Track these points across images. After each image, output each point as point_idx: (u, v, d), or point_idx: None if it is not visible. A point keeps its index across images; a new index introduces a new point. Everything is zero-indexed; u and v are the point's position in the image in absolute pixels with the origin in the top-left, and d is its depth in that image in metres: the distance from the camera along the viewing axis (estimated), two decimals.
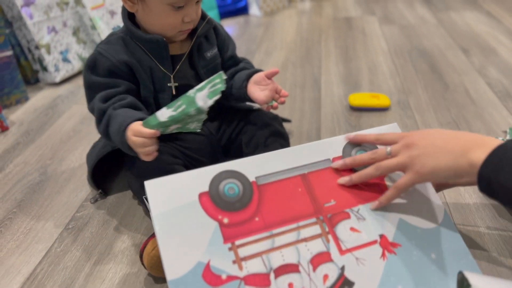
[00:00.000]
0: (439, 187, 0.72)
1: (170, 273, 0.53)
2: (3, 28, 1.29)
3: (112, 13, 1.59)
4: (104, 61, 0.77)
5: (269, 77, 0.81)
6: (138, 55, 0.78)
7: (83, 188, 0.93)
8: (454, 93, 1.23)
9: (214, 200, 0.60)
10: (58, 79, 1.47)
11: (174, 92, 0.82)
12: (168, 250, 0.55)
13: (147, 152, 0.69)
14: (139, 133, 0.68)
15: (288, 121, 1.08)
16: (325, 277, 0.57)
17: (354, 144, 0.68)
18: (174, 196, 0.59)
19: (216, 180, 0.61)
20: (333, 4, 2.24)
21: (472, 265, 0.61)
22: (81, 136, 1.14)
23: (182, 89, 0.82)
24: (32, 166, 1.03)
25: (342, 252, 0.59)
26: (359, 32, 1.79)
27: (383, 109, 1.16)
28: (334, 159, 0.67)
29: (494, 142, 0.53)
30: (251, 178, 0.63)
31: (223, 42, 0.88)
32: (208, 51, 0.85)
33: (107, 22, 1.57)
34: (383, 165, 0.61)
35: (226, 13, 2.11)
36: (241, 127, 0.90)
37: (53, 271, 0.73)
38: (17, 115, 1.29)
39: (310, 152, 0.66)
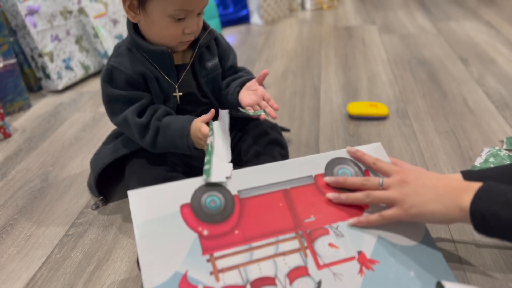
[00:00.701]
0: None
1: (148, 282, 0.54)
2: (7, 37, 1.31)
3: (115, 22, 1.61)
4: (120, 73, 0.79)
5: (260, 81, 0.81)
6: (145, 64, 0.80)
7: (84, 195, 0.94)
8: (453, 102, 1.24)
9: (195, 212, 0.60)
10: (60, 86, 1.49)
11: (178, 102, 0.83)
12: (147, 259, 0.56)
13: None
14: (200, 129, 0.73)
15: (287, 130, 1.10)
16: None
17: (336, 163, 0.70)
18: (156, 206, 0.60)
19: (199, 192, 0.62)
20: (334, 14, 2.26)
21: (452, 284, 0.60)
22: (82, 143, 1.15)
23: (186, 98, 0.84)
24: (34, 172, 1.04)
25: (319, 267, 0.59)
26: (359, 41, 1.81)
27: (381, 118, 1.17)
28: (317, 176, 0.68)
29: (476, 184, 0.57)
30: (234, 192, 0.63)
31: (224, 52, 0.90)
32: (209, 61, 0.86)
33: (109, 31, 1.59)
34: (374, 195, 0.63)
35: (227, 22, 2.14)
36: (240, 135, 0.91)
37: (52, 277, 0.73)
38: (20, 122, 1.30)
39: (293, 168, 0.67)
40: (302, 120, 1.19)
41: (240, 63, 0.94)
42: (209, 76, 0.87)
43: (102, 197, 0.90)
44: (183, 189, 0.62)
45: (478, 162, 0.92)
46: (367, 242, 0.62)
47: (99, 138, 1.16)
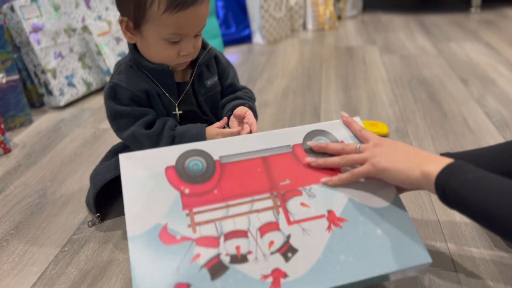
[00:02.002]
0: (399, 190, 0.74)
1: (131, 231, 0.59)
2: (11, 53, 1.32)
3: (118, 40, 1.63)
4: (123, 91, 0.79)
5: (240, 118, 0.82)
6: (146, 82, 0.80)
7: (81, 211, 0.93)
8: (453, 122, 1.24)
9: (178, 173, 0.65)
10: (62, 102, 1.50)
11: (178, 120, 0.84)
12: (131, 211, 0.61)
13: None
14: (222, 133, 0.78)
15: None
16: (271, 243, 0.61)
17: (314, 134, 0.73)
18: (143, 167, 0.65)
19: (183, 157, 0.67)
20: (335, 34, 2.28)
21: (418, 244, 0.62)
22: (81, 159, 1.15)
23: (186, 116, 0.84)
24: (32, 188, 1.04)
25: (290, 223, 0.63)
26: (360, 61, 1.82)
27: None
28: (295, 146, 0.72)
29: (447, 159, 0.60)
30: (215, 157, 0.68)
31: (223, 70, 0.90)
32: (208, 79, 0.87)
33: (112, 48, 1.61)
34: (348, 157, 0.68)
35: (230, 41, 2.16)
36: None
37: None
38: (20, 138, 1.31)
39: (273, 138, 0.72)
40: None
41: (242, 82, 0.95)
42: (208, 94, 0.87)
43: (98, 214, 0.89)
44: (169, 153, 0.67)
45: None
46: (338, 202, 0.66)
47: (98, 154, 1.16)
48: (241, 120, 0.82)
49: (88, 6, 1.60)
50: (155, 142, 0.79)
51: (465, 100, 1.37)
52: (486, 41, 1.98)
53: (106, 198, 0.94)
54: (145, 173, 0.65)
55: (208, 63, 0.86)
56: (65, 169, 1.11)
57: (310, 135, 0.73)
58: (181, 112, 0.83)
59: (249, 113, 0.82)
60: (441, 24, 2.34)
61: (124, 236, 0.85)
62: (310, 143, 0.71)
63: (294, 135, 0.73)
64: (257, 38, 2.20)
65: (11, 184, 1.06)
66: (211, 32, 1.98)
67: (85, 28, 1.56)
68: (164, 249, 0.59)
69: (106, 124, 1.34)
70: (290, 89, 1.56)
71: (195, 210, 0.63)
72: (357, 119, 0.76)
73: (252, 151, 0.70)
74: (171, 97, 0.82)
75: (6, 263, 0.80)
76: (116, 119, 0.81)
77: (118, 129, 0.82)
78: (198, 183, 0.65)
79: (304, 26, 2.40)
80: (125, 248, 0.81)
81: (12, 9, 1.38)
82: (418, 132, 1.19)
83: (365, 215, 0.64)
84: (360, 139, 0.72)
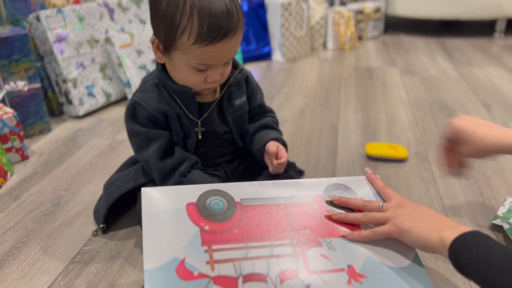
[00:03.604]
0: None
1: (148, 263, 0.59)
2: (34, 62, 1.35)
3: (139, 52, 1.65)
4: (142, 110, 0.80)
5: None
6: (168, 101, 0.80)
7: (93, 222, 0.93)
8: None
9: (199, 210, 0.66)
10: (81, 112, 1.51)
11: (200, 137, 0.84)
12: (149, 243, 0.61)
13: None
14: None
15: (301, 172, 1.08)
16: None
17: (335, 188, 0.74)
18: (164, 202, 0.66)
19: (205, 195, 0.68)
20: (355, 54, 2.27)
21: None
22: (97, 169, 1.15)
23: (207, 135, 0.84)
24: (47, 196, 1.04)
25: (310, 272, 0.62)
26: (380, 82, 1.81)
27: (400, 161, 1.14)
28: (316, 197, 0.72)
29: (465, 228, 0.60)
30: (237, 199, 0.69)
31: (253, 90, 0.90)
32: (237, 99, 0.86)
33: (133, 61, 1.62)
34: (371, 215, 0.68)
35: (249, 58, 2.17)
36: (258, 170, 0.90)
37: None
38: (38, 145, 1.32)
39: (294, 187, 0.73)
40: (319, 158, 1.18)
41: None
42: (236, 114, 0.87)
43: (103, 225, 0.88)
44: (191, 191, 0.68)
45: (501, 212, 0.88)
46: (358, 257, 0.65)
47: (114, 165, 1.16)
48: (274, 156, 0.84)
49: (112, 18, 1.62)
50: (163, 179, 0.81)
51: None
52: (510, 67, 1.95)
53: (117, 208, 0.93)
54: (166, 207, 0.65)
55: (239, 83, 0.86)
56: (80, 179, 1.11)
57: (331, 187, 0.74)
58: (203, 129, 0.84)
59: (281, 149, 0.84)
60: (464, 48, 2.31)
61: (135, 249, 0.84)
62: (330, 197, 0.72)
63: (315, 186, 0.74)
64: (277, 56, 2.20)
65: (26, 191, 1.06)
66: None
67: (107, 40, 1.58)
68: (180, 285, 0.57)
69: (123, 135, 1.35)
70: (308, 107, 1.55)
71: (214, 247, 0.62)
72: (377, 176, 0.77)
73: (272, 197, 0.70)
74: (192, 116, 0.82)
75: (16, 272, 0.79)
76: (132, 138, 0.83)
77: (134, 147, 0.84)
78: (219, 221, 0.65)
79: (324, 45, 2.40)
80: (135, 262, 0.80)
81: (38, 18, 1.41)
82: (438, 157, 1.16)
83: (384, 274, 0.63)
84: (383, 196, 0.73)
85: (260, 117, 0.93)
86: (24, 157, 1.22)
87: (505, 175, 1.06)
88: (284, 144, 0.87)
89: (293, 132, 1.35)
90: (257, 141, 0.88)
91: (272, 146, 0.84)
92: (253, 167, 0.91)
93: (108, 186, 0.91)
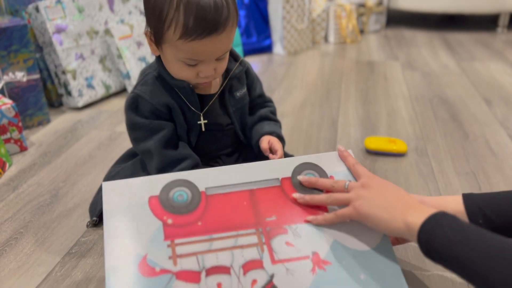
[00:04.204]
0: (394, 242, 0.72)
1: (109, 260, 0.59)
2: (34, 52, 1.34)
3: (139, 44, 1.64)
4: (145, 103, 0.79)
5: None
6: (170, 94, 0.80)
7: None
8: (474, 143, 1.20)
9: (162, 203, 0.65)
10: (80, 104, 1.51)
11: (203, 129, 0.83)
12: (111, 240, 0.60)
13: None
14: None
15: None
16: (254, 282, 0.60)
17: (303, 168, 0.72)
18: (126, 196, 0.64)
19: (168, 187, 0.66)
20: (357, 48, 2.26)
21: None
22: (95, 161, 1.15)
23: (210, 127, 0.84)
24: (45, 187, 1.04)
25: (274, 261, 0.62)
26: (381, 77, 1.80)
27: (399, 155, 1.14)
28: (283, 179, 0.70)
29: (428, 209, 0.58)
30: (201, 188, 0.67)
31: (252, 81, 0.90)
32: (238, 91, 0.86)
33: (133, 52, 1.62)
34: (334, 196, 0.66)
35: (250, 51, 2.16)
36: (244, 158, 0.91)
37: None
38: (37, 137, 1.32)
39: (261, 170, 0.70)
40: (318, 152, 1.16)
41: None
42: (238, 106, 0.87)
43: (96, 218, 0.88)
44: (154, 183, 0.66)
45: None
46: (323, 244, 0.64)
47: (113, 157, 1.16)
48: (266, 153, 0.83)
49: (111, 9, 1.61)
50: (161, 168, 0.79)
51: (488, 122, 1.34)
52: None
53: None
54: (128, 202, 0.64)
55: (240, 75, 0.85)
56: (79, 171, 1.11)
57: (300, 168, 0.72)
58: (206, 121, 0.83)
59: (272, 142, 0.83)
60: (466, 43, 2.30)
61: None
62: (300, 178, 0.70)
63: (283, 167, 0.71)
64: (278, 49, 2.19)
65: (25, 182, 1.06)
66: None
67: (107, 31, 1.57)
68: (142, 281, 0.57)
69: (122, 127, 1.34)
70: (308, 101, 1.55)
71: (177, 241, 0.61)
72: (350, 152, 0.75)
73: (239, 183, 0.68)
74: (195, 109, 0.81)
75: (13, 262, 0.80)
76: (134, 131, 0.82)
77: (134, 140, 0.83)
78: (182, 214, 0.64)
79: (325, 38, 2.39)
80: None
81: (37, 9, 1.40)
82: (437, 151, 1.16)
83: (350, 259, 0.63)
84: (353, 174, 0.71)
85: (259, 107, 0.92)
86: (23, 148, 1.22)
87: (504, 170, 1.06)
88: (279, 136, 0.87)
89: (293, 125, 1.35)
90: (254, 135, 0.88)
91: (264, 142, 0.84)
92: (252, 160, 0.91)
93: (108, 179, 0.91)
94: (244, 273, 0.60)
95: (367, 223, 0.63)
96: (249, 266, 0.61)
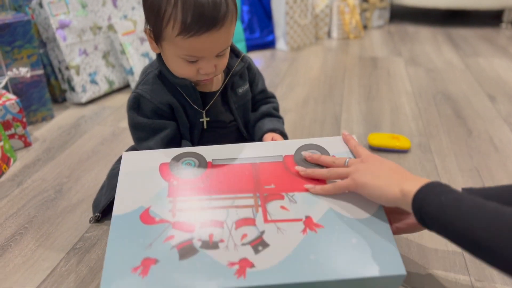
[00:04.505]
0: (398, 230, 0.72)
1: (116, 210, 0.65)
2: (37, 48, 1.34)
3: (142, 40, 1.64)
4: (147, 102, 0.79)
5: None
6: (172, 92, 0.80)
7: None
8: (478, 140, 1.20)
9: (171, 168, 0.71)
10: (84, 99, 1.51)
11: (205, 127, 0.83)
12: (121, 194, 0.67)
13: None
14: None
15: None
16: (244, 235, 0.62)
17: (306, 148, 0.76)
18: (140, 163, 0.72)
19: (178, 157, 0.73)
20: (360, 44, 2.26)
21: (393, 255, 0.60)
22: (99, 157, 1.16)
23: (212, 124, 0.84)
24: (49, 183, 1.04)
25: (266, 221, 0.64)
26: (384, 72, 1.79)
27: (402, 151, 1.14)
28: (286, 156, 0.74)
29: (426, 180, 0.60)
30: (209, 159, 0.73)
31: (254, 77, 0.90)
32: (240, 88, 0.86)
33: (136, 48, 1.62)
34: (334, 170, 0.69)
35: (253, 46, 2.15)
36: None
37: None
38: (41, 132, 1.32)
39: (265, 148, 0.76)
40: None
41: None
42: (240, 102, 0.86)
43: (99, 214, 0.88)
44: (167, 153, 0.74)
45: None
46: (317, 210, 0.66)
47: (116, 153, 1.16)
48: None
49: (114, 5, 1.61)
50: None
51: (492, 118, 1.33)
52: None
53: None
54: (141, 167, 0.71)
55: (242, 71, 0.85)
56: (82, 166, 1.11)
57: (303, 147, 0.76)
58: (208, 119, 0.83)
59: (276, 139, 0.84)
60: (470, 39, 2.29)
61: None
62: (303, 153, 0.74)
63: (287, 147, 0.76)
64: (281, 44, 2.19)
65: (29, 178, 1.07)
66: (235, 36, 1.98)
67: (110, 27, 1.57)
68: (142, 228, 0.63)
69: (125, 123, 1.34)
70: (311, 97, 1.55)
71: (179, 198, 0.67)
72: (353, 136, 0.78)
73: (244, 157, 0.74)
74: (197, 107, 0.81)
75: (18, 257, 0.80)
76: (136, 130, 0.82)
77: (137, 139, 0.83)
78: (188, 178, 0.70)
79: (329, 34, 2.38)
80: None
81: (40, 5, 1.40)
82: (441, 148, 1.16)
83: (342, 224, 0.64)
84: (354, 154, 0.74)
85: (261, 103, 0.92)
86: (27, 144, 1.23)
87: (508, 166, 1.06)
88: (282, 133, 0.87)
89: (296, 121, 1.35)
90: (257, 132, 0.88)
91: (267, 139, 0.84)
92: None
93: (112, 176, 0.91)
94: (236, 228, 0.63)
95: (364, 193, 0.65)
96: (242, 222, 0.64)
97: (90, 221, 0.89)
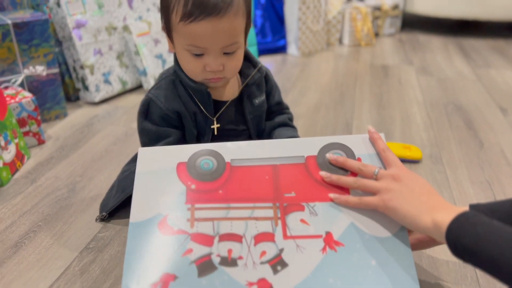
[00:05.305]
0: (415, 246, 0.71)
1: (133, 217, 0.64)
2: (53, 47, 1.36)
3: (156, 41, 1.66)
4: (156, 108, 0.80)
5: None
6: (184, 98, 0.80)
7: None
8: (489, 152, 1.20)
9: (188, 170, 0.68)
10: (97, 99, 1.53)
11: (215, 133, 0.83)
12: (138, 198, 0.66)
13: None
14: None
15: None
16: (263, 253, 0.61)
17: (330, 148, 0.71)
18: (158, 162, 0.69)
19: (196, 155, 0.70)
20: (371, 51, 2.26)
21: (412, 281, 0.60)
22: (112, 156, 1.17)
23: (223, 132, 0.84)
24: (62, 181, 1.05)
25: (286, 237, 0.63)
26: (395, 81, 1.80)
27: (414, 161, 1.14)
28: (308, 157, 0.70)
29: (458, 208, 0.58)
30: (227, 159, 0.70)
31: (271, 88, 0.90)
32: (257, 98, 0.85)
33: (150, 49, 1.63)
34: (362, 181, 0.65)
35: (265, 51, 2.16)
36: None
37: None
38: (54, 130, 1.34)
39: (287, 147, 0.71)
40: None
41: None
42: (256, 113, 0.86)
43: (105, 214, 0.89)
44: (184, 151, 0.70)
45: None
46: (338, 225, 0.64)
47: (128, 153, 1.17)
48: None
49: (130, 6, 1.63)
50: None
51: (504, 130, 1.33)
52: None
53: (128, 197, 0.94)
54: (158, 166, 0.69)
55: (259, 82, 0.85)
56: (95, 165, 1.12)
57: (327, 147, 0.71)
58: (218, 125, 0.83)
59: None
60: (481, 49, 2.28)
61: None
62: (328, 156, 0.69)
63: (310, 145, 0.71)
64: (292, 49, 2.19)
65: (43, 175, 1.08)
66: (247, 40, 1.99)
67: (125, 28, 1.58)
68: (160, 239, 0.62)
69: None
70: (323, 103, 1.55)
71: (197, 206, 0.65)
72: (381, 135, 0.72)
73: (264, 158, 0.70)
74: (208, 114, 0.81)
75: (32, 255, 0.81)
76: (142, 135, 0.83)
77: (143, 144, 0.84)
78: (206, 181, 0.68)
79: (340, 40, 2.39)
80: None
81: (58, 4, 1.42)
82: (452, 159, 1.16)
83: (363, 243, 0.63)
84: (383, 160, 0.69)
85: (276, 114, 0.93)
86: (41, 141, 1.24)
87: None
88: None
89: (307, 127, 1.35)
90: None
91: None
92: None
93: (122, 179, 0.91)
94: (255, 244, 0.62)
95: (392, 216, 0.62)
96: (261, 237, 0.63)
97: (96, 220, 0.90)
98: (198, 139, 0.84)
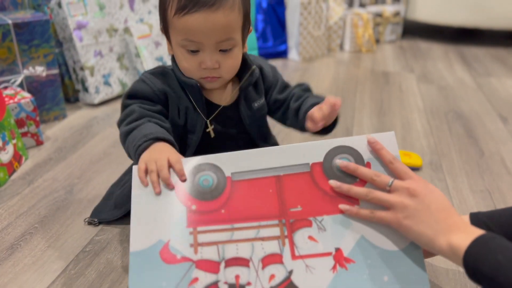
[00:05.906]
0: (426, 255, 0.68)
1: (133, 246, 0.60)
2: (54, 48, 1.35)
3: (157, 44, 1.65)
4: (144, 87, 0.78)
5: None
6: (178, 92, 0.79)
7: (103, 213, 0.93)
8: (489, 160, 1.19)
9: (187, 188, 0.64)
10: (97, 100, 1.52)
11: (212, 135, 0.81)
12: (137, 226, 0.61)
13: (155, 180, 0.65)
14: (175, 161, 0.65)
15: None
16: (272, 276, 0.59)
17: (337, 152, 0.66)
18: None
19: (194, 171, 0.65)
20: (372, 57, 2.26)
21: None
22: (110, 159, 1.16)
23: (219, 135, 0.82)
24: (60, 183, 1.04)
25: (294, 257, 0.61)
26: (396, 88, 1.79)
27: (414, 169, 1.13)
28: (313, 165, 0.66)
29: (475, 230, 0.55)
30: (227, 173, 0.65)
31: (270, 84, 0.87)
32: (256, 101, 0.83)
33: (151, 52, 1.63)
34: (375, 194, 0.62)
35: (265, 55, 2.16)
36: None
37: None
38: (53, 131, 1.33)
39: (290, 154, 0.66)
40: None
41: None
42: (254, 117, 0.84)
43: (97, 222, 0.89)
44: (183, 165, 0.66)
45: None
46: (348, 240, 0.62)
47: (127, 157, 1.16)
48: (323, 120, 0.75)
49: (132, 8, 1.62)
50: (126, 117, 0.76)
51: (504, 139, 1.33)
52: None
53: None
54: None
55: (257, 83, 0.84)
56: (93, 168, 1.12)
57: (334, 152, 0.66)
58: (212, 127, 0.81)
59: (324, 103, 0.75)
60: (482, 58, 2.29)
61: None
62: (338, 162, 0.65)
63: (314, 151, 0.66)
64: (293, 54, 2.19)
65: (40, 177, 1.07)
66: (248, 44, 1.99)
67: (126, 30, 1.58)
68: (163, 268, 0.59)
69: None
70: None
71: (199, 229, 0.62)
72: (390, 134, 0.67)
73: (266, 168, 0.65)
74: (200, 111, 0.79)
75: (28, 257, 0.80)
76: (124, 110, 0.79)
77: (119, 119, 0.79)
78: (207, 200, 0.64)
79: (341, 46, 2.39)
80: None
81: (59, 5, 1.41)
82: (452, 167, 1.15)
83: (374, 258, 0.61)
84: (393, 173, 0.64)
85: (290, 100, 0.86)
86: (39, 142, 1.23)
87: None
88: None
89: (307, 133, 1.35)
90: (300, 116, 0.81)
91: (314, 112, 0.74)
92: None
93: (119, 194, 0.89)
94: (263, 267, 0.60)
95: (406, 235, 0.60)
96: (269, 260, 0.60)
97: (84, 220, 0.89)
98: (185, 137, 0.82)
